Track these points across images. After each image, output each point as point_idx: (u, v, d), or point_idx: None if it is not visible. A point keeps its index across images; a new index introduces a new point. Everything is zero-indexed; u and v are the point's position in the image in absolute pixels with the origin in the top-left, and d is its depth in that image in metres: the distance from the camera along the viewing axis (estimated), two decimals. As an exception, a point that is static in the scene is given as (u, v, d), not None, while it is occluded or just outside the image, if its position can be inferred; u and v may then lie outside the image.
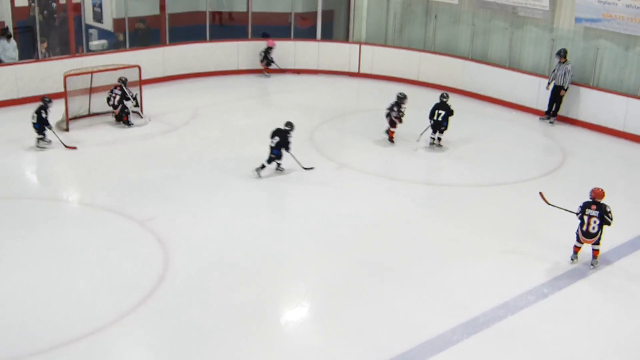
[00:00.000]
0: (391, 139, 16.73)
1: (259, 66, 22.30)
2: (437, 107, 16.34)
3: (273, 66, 22.31)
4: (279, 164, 14.84)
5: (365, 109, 20.13)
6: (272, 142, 14.60)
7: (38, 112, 15.64)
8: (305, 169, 14.94)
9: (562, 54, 18.48)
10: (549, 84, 18.76)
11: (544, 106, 19.18)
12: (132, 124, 17.24)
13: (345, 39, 24.06)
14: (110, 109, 17.32)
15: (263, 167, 14.56)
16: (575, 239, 11.64)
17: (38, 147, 15.73)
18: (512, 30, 20.52)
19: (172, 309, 10.08)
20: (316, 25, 23.44)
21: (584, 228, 11.41)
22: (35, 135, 15.70)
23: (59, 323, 9.68)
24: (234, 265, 11.26)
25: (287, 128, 14.72)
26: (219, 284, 10.77)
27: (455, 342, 9.60)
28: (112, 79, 17.31)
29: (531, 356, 9.45)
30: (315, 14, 23.42)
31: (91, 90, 17.59)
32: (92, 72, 17.45)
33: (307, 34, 23.63)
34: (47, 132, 15.72)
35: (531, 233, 12.91)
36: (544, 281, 11.16)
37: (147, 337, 9.60)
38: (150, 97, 18.14)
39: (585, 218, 11.39)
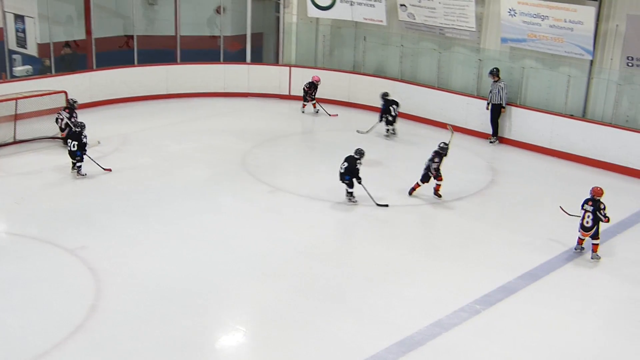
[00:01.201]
0: (438, 194, 15.16)
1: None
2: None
3: (308, 105, 21.30)
4: (350, 194, 14.79)
5: (297, 131, 20.15)
6: (341, 167, 14.67)
7: (77, 138, 15.38)
8: (378, 205, 14.66)
9: (495, 73, 18.84)
10: (488, 104, 19.10)
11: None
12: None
13: (275, 61, 24.09)
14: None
15: (349, 193, 14.73)
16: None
17: (79, 174, 15.61)
18: (440, 51, 20.84)
19: (105, 341, 9.85)
20: (246, 49, 23.41)
21: (581, 222, 12.62)
22: (75, 163, 15.59)
23: (-14, 359, 9.38)
24: (168, 294, 11.07)
25: (356, 156, 14.76)
26: (154, 313, 10.57)
27: (391, 362, 9.61)
28: (38, 105, 16.97)
29: (468, 374, 9.53)
30: (244, 37, 23.40)
31: (16, 117, 17.21)
32: (16, 99, 17.09)
33: (237, 57, 23.58)
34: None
35: (462, 251, 13.09)
36: (476, 297, 11.28)
37: (79, 370, 9.36)
38: (78, 123, 17.81)
39: (582, 212, 12.60)
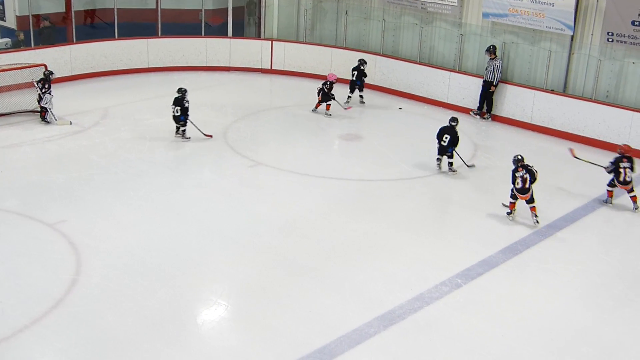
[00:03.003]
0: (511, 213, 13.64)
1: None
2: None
3: (333, 103, 18.86)
4: (451, 164, 15.27)
5: (278, 105, 20.12)
6: (443, 140, 15.11)
7: (180, 103, 15.98)
8: (468, 166, 15.53)
9: (492, 51, 18.83)
10: (484, 81, 19.09)
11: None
12: (50, 122, 16.85)
13: (257, 35, 23.97)
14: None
15: (450, 164, 15.24)
16: (608, 185, 13.99)
17: (184, 138, 16.33)
18: (422, 26, 20.81)
19: (85, 315, 9.85)
20: (227, 22, 23.27)
21: (621, 178, 13.71)
22: (179, 127, 16.30)
23: (-34, 333, 9.36)
24: (149, 268, 11.07)
25: (453, 123, 15.18)
26: (134, 287, 10.56)
27: (371, 335, 9.68)
28: (16, 78, 16.82)
29: (447, 346, 9.60)
30: (225, 10, 23.24)
31: (-6, 91, 17.10)
32: (-8, 71, 16.96)
33: (218, 31, 23.45)
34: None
35: (444, 225, 13.19)
36: (458, 272, 11.35)
37: (59, 345, 9.34)
38: (58, 97, 17.59)
39: (621, 170, 13.68)
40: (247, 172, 15.09)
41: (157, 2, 22.51)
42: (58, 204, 13.12)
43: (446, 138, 15.13)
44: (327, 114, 18.68)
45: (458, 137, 15.11)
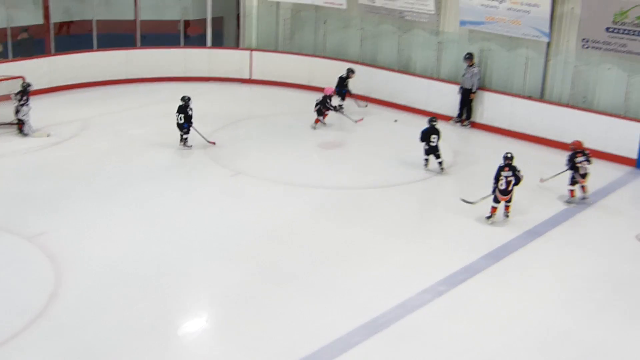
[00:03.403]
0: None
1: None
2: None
3: (330, 113, 18.87)
4: (440, 162, 15.78)
5: (258, 114, 20.11)
6: (432, 141, 15.53)
7: (183, 111, 16.07)
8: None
9: (469, 58, 18.95)
10: (460, 88, 19.23)
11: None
12: (27, 134, 16.76)
13: (236, 45, 23.98)
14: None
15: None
16: (570, 184, 14.41)
17: (185, 146, 16.47)
18: (400, 34, 20.90)
19: (66, 328, 9.79)
20: (206, 33, 23.27)
21: (581, 172, 14.21)
22: (182, 135, 16.43)
23: (-53, 347, 9.28)
24: (130, 279, 11.03)
25: (434, 123, 15.62)
26: (115, 299, 10.52)
27: (355, 344, 9.68)
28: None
29: (430, 353, 9.62)
30: (204, 21, 23.24)
31: (-28, 103, 16.99)
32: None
33: (198, 41, 23.43)
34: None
35: (426, 232, 13.22)
36: (441, 278, 11.39)
37: (40, 358, 9.26)
38: (37, 109, 17.52)
39: (579, 165, 14.14)
40: (228, 182, 15.09)
41: (135, 13, 22.47)
42: (38, 215, 13.04)
43: (434, 138, 15.51)
44: (314, 126, 18.60)
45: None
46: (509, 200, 13.34)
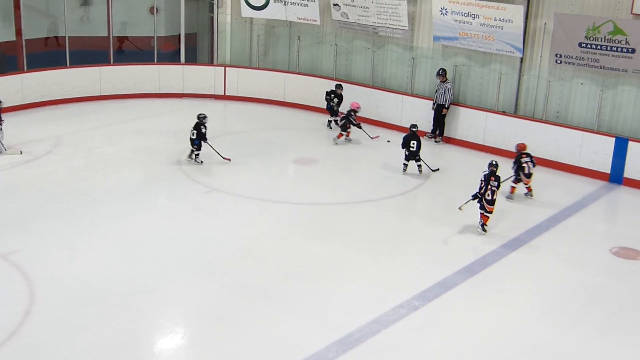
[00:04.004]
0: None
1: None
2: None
3: (354, 129, 19.01)
4: (420, 166, 16.69)
5: (232, 131, 20.06)
6: (412, 147, 16.39)
7: (197, 128, 16.27)
8: (433, 170, 16.62)
9: (442, 74, 19.04)
10: (433, 104, 19.29)
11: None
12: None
13: (210, 61, 23.96)
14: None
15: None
16: (513, 181, 15.44)
17: (195, 162, 16.67)
18: (374, 50, 21.00)
19: (39, 346, 9.66)
20: (180, 49, 23.23)
21: (526, 171, 15.22)
22: (194, 150, 16.66)
23: None
24: (103, 297, 10.91)
25: (414, 129, 16.49)
26: (88, 316, 10.40)
27: (331, 359, 9.63)
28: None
29: (406, 369, 9.61)
30: (178, 37, 23.21)
31: (-57, 122, 16.79)
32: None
33: (171, 57, 23.39)
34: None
35: (400, 246, 13.21)
36: (415, 293, 11.37)
37: (12, 377, 9.17)
38: (9, 126, 17.38)
39: (524, 165, 15.18)
40: (202, 198, 15.02)
41: (109, 30, 22.39)
42: (10, 233, 12.89)
43: (414, 144, 16.29)
44: (336, 141, 18.87)
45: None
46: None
